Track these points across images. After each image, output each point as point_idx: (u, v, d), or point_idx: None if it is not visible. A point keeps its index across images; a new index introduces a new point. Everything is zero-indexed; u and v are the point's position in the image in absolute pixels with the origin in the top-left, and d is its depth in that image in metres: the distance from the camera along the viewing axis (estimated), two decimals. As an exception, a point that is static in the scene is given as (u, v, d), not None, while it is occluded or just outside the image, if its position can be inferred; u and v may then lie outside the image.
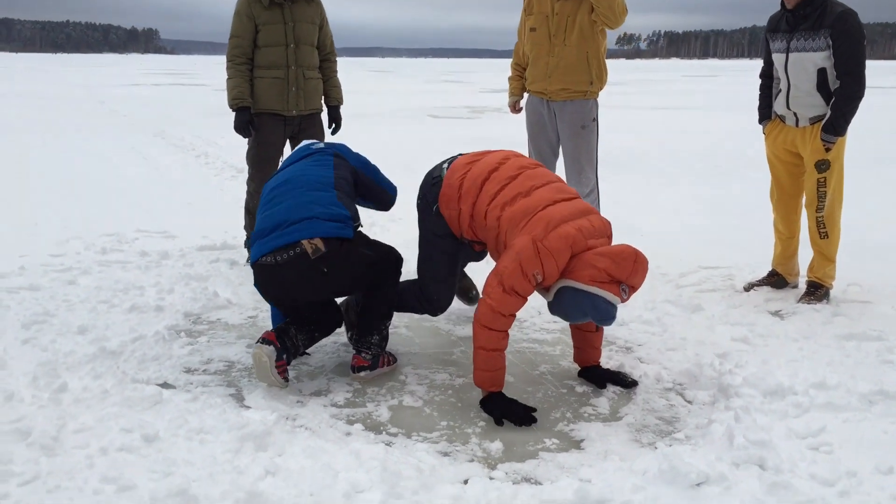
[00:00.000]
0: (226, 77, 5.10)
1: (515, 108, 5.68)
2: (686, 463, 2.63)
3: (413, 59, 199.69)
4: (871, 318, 4.27)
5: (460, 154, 3.80)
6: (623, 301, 3.10)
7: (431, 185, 3.70)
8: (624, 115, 18.02)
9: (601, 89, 5.38)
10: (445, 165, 3.71)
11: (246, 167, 5.38)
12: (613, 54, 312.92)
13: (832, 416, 3.09)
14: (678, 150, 11.81)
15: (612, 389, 3.47)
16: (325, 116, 5.49)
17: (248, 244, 5.21)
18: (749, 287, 4.83)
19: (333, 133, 5.54)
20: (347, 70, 63.79)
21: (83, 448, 2.80)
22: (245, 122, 5.05)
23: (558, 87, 5.25)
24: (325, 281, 3.43)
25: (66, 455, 2.75)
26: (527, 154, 5.64)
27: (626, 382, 3.48)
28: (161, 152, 11.36)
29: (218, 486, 2.55)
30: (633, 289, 3.14)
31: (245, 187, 5.39)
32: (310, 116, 5.27)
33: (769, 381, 3.30)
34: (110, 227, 6.30)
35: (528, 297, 3.20)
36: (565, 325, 4.28)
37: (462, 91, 30.66)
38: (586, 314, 3.14)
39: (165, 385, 3.43)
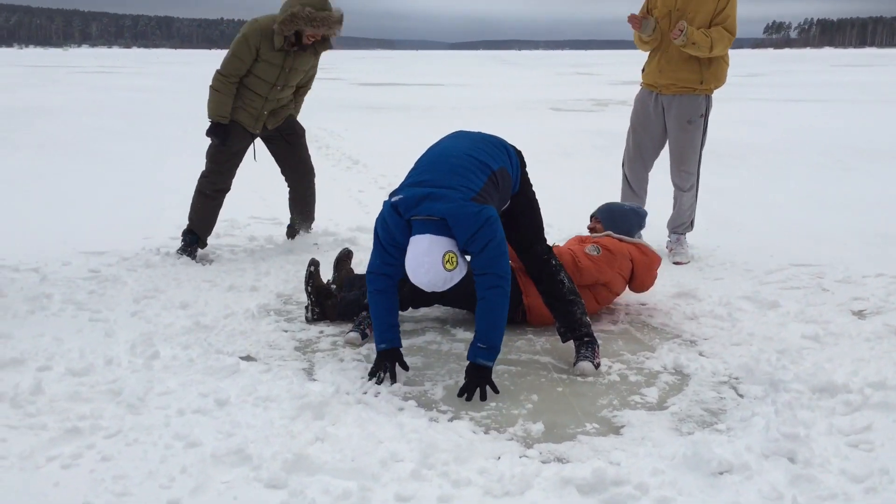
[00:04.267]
0: (212, 86, 5.26)
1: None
2: (711, 451, 2.70)
3: (549, 52, 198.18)
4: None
5: None
6: None
7: None
8: (752, 107, 17.45)
9: (716, 88, 5.45)
10: None
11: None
12: (760, 43, 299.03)
13: (882, 416, 3.06)
14: (801, 144, 11.40)
15: (664, 380, 3.54)
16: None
17: (187, 245, 5.41)
18: None
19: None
20: (480, 63, 64.44)
21: (164, 409, 3.14)
22: (219, 135, 5.29)
23: (668, 81, 5.38)
24: None
25: (149, 414, 3.10)
26: (625, 145, 5.74)
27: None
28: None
29: (271, 447, 2.81)
30: None
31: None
32: (277, 127, 5.58)
33: (820, 377, 3.29)
34: (227, 214, 6.71)
35: None
36: (634, 318, 4.36)
37: (590, 83, 30.39)
38: None
39: (248, 357, 3.75)
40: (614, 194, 6.08)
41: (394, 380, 3.48)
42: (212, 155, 5.49)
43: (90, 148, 11.08)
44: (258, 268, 5.17)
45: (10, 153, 10.49)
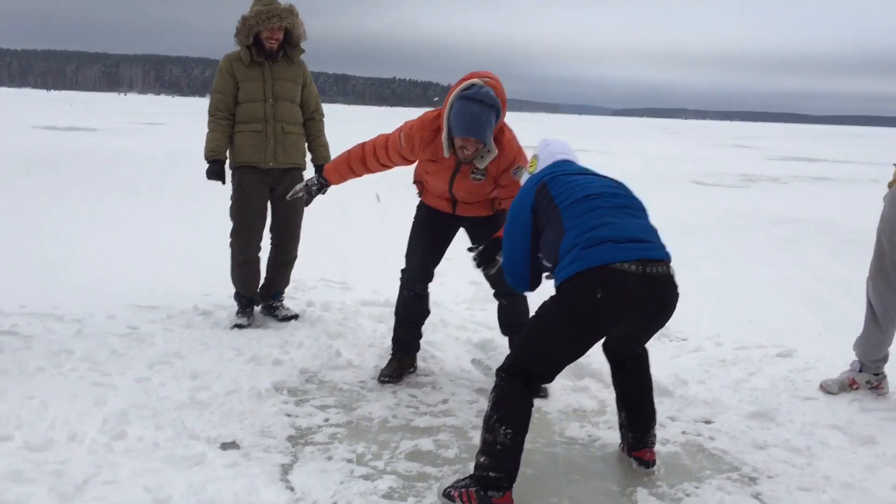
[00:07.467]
0: (207, 130, 5.08)
1: None
2: None
3: (716, 122, 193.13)
4: None
5: None
6: None
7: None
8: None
9: None
10: None
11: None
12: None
13: None
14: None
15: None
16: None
17: (243, 307, 5.23)
18: None
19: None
20: (638, 130, 63.29)
21: (100, 501, 2.80)
22: (217, 173, 5.03)
23: None
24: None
25: (79, 506, 2.76)
26: (874, 253, 4.24)
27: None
28: (399, 201, 11.76)
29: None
30: None
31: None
32: (290, 171, 5.17)
33: (889, 559, 2.53)
34: (296, 274, 6.44)
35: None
36: (690, 439, 3.67)
37: (746, 157, 28.92)
38: None
39: (231, 444, 3.37)
40: (724, 286, 5.38)
41: None
42: (234, 210, 5.22)
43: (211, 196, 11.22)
44: (292, 337, 4.82)
45: (151, 198, 10.85)
